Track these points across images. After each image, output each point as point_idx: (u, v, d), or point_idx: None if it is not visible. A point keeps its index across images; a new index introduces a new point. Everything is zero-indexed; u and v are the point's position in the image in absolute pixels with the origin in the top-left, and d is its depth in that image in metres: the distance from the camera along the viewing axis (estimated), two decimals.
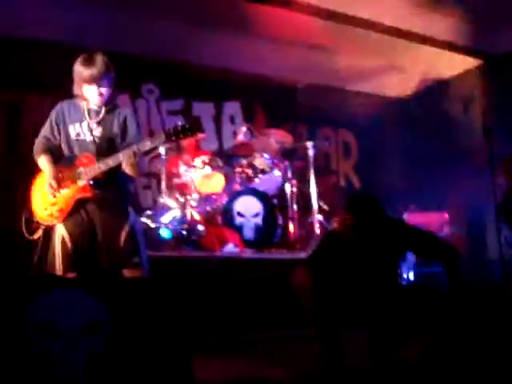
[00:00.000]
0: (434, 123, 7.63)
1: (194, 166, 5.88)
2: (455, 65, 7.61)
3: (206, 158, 5.94)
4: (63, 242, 3.60)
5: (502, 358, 3.28)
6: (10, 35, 6.00)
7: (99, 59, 3.57)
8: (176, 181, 5.99)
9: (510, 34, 6.79)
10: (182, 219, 5.60)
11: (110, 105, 3.71)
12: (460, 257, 3.59)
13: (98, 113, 3.70)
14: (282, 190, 6.02)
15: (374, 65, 7.51)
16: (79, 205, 3.60)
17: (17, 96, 6.26)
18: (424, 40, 6.93)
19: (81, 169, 3.58)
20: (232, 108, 7.36)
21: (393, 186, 7.42)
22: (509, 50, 7.12)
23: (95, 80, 3.57)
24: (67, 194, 3.59)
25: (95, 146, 3.66)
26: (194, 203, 5.82)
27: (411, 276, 5.46)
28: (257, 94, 7.31)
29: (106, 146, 3.66)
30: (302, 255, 5.29)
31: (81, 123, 3.67)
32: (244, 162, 6.02)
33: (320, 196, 6.10)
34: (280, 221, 5.74)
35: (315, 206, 5.95)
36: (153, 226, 5.46)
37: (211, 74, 7.01)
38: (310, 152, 6.07)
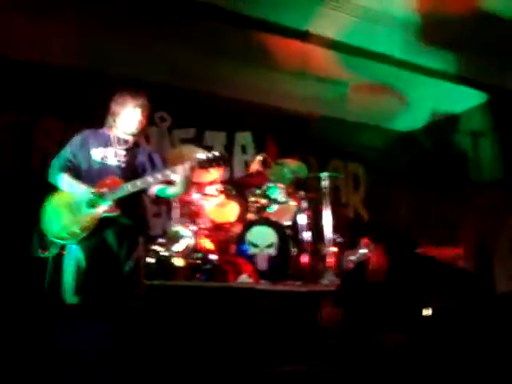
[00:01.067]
0: (444, 157, 7.63)
1: (208, 194, 5.82)
2: (465, 99, 7.64)
3: (219, 187, 5.89)
4: (78, 263, 3.56)
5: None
6: (27, 58, 5.99)
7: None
8: (188, 209, 5.93)
9: None
10: (195, 248, 5.51)
11: (136, 137, 3.82)
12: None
13: (126, 142, 3.77)
14: (295, 220, 5.96)
15: (384, 98, 7.53)
16: (97, 227, 3.57)
17: (29, 118, 6.22)
18: (433, 73, 6.96)
19: (105, 189, 3.55)
20: (244, 138, 7.33)
21: (403, 219, 7.38)
22: None
23: (141, 106, 3.75)
24: (92, 213, 3.56)
25: (120, 171, 3.67)
26: (206, 232, 5.75)
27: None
28: (269, 124, 7.30)
29: (130, 173, 3.70)
30: (317, 288, 5.21)
31: (106, 148, 3.73)
32: (258, 191, 5.96)
33: (333, 228, 6.05)
34: (294, 252, 5.67)
35: (329, 237, 5.88)
36: (166, 254, 5.38)
37: (224, 104, 7.01)
38: (324, 183, 6.03)
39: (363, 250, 5.87)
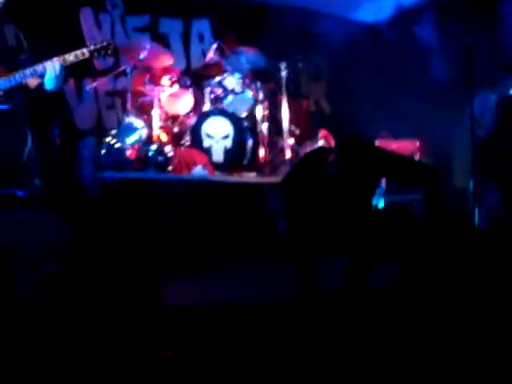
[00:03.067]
0: (409, 49, 7.46)
1: (162, 85, 5.63)
2: None
3: (174, 77, 5.69)
4: None
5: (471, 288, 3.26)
6: None
7: None
8: (142, 100, 5.75)
9: None
10: (149, 140, 5.39)
11: None
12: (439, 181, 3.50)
13: None
14: (252, 112, 5.83)
15: None
16: None
17: None
18: None
19: None
20: (201, 25, 7.01)
21: (365, 111, 7.30)
22: None
23: None
24: None
25: None
26: (160, 123, 5.60)
27: (381, 203, 5.42)
28: (227, 11, 6.97)
29: (5, 58, 3.50)
30: (272, 179, 5.18)
31: None
32: (214, 81, 5.78)
33: (291, 120, 5.95)
34: (250, 144, 5.59)
35: (286, 129, 5.79)
36: (117, 146, 5.24)
37: None
38: (283, 73, 5.86)
39: (321, 142, 5.80)
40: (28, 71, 3.44)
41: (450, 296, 3.17)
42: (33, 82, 3.55)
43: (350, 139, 3.55)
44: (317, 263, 3.34)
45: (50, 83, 3.48)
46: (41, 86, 3.55)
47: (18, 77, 3.42)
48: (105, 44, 3.58)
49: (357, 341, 2.72)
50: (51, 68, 3.43)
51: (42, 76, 3.49)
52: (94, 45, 3.58)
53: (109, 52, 3.60)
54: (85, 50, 3.51)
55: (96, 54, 3.56)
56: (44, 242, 2.69)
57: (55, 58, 3.46)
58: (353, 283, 3.35)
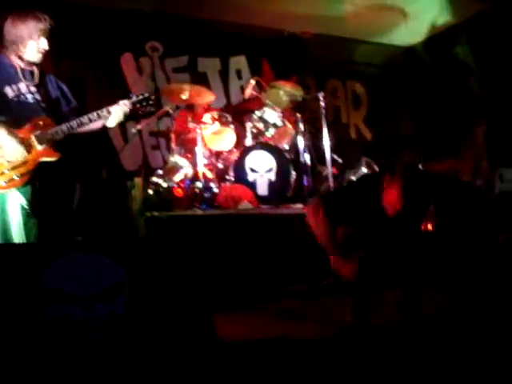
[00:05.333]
0: (447, 69, 7.44)
1: (204, 123, 5.74)
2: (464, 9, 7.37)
3: (215, 114, 5.80)
4: (22, 209, 3.47)
5: None
6: None
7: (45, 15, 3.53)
8: (185, 138, 5.87)
9: None
10: (194, 177, 5.48)
11: (40, 66, 3.63)
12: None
13: (32, 74, 3.60)
14: (294, 143, 5.89)
15: (382, 13, 7.28)
16: (37, 170, 3.49)
17: None
18: None
19: (39, 132, 3.46)
20: (238, 62, 7.16)
21: (406, 135, 7.30)
22: None
23: (46, 32, 3.50)
24: (29, 158, 3.44)
25: (40, 108, 3.55)
26: (204, 161, 5.70)
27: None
28: (263, 46, 7.12)
29: (51, 109, 3.60)
30: None
31: (18, 84, 3.53)
32: (254, 116, 5.87)
33: (333, 149, 5.97)
34: (294, 175, 5.63)
35: (329, 158, 5.82)
36: (165, 185, 5.35)
37: (215, 28, 6.80)
38: (322, 103, 5.91)
39: (364, 170, 5.82)
40: (86, 117, 3.53)
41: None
42: (97, 125, 3.67)
43: (408, 167, 3.54)
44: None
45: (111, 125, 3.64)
46: (104, 126, 3.70)
47: (64, 127, 3.50)
48: (146, 95, 3.70)
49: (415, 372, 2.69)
50: (118, 111, 3.56)
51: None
52: (136, 96, 3.70)
53: (150, 102, 3.72)
54: (127, 103, 3.64)
55: (138, 105, 3.69)
56: (99, 285, 2.76)
57: (121, 102, 3.59)
58: (407, 313, 3.32)
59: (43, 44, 3.53)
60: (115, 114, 3.56)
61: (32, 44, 3.50)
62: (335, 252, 3.45)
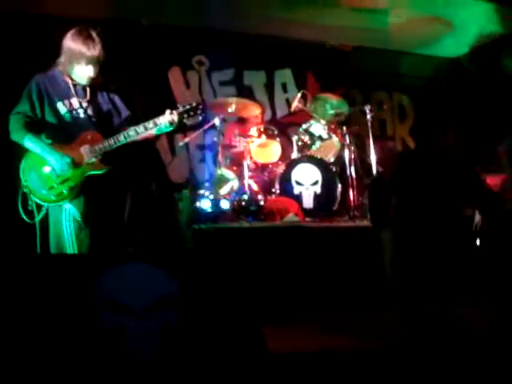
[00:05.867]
0: (492, 81, 7.34)
1: (250, 136, 5.80)
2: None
3: (261, 127, 5.86)
4: (75, 221, 3.53)
5: None
6: None
7: (99, 39, 3.51)
8: (232, 151, 5.93)
9: None
10: (241, 190, 5.53)
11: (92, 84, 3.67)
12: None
13: (85, 90, 3.65)
14: (340, 156, 5.89)
15: (427, 24, 7.23)
16: (87, 183, 3.55)
17: None
18: None
19: (87, 146, 3.53)
20: (284, 75, 7.21)
21: (452, 148, 7.20)
22: None
23: (94, 63, 3.52)
24: (77, 172, 3.52)
25: (92, 123, 3.61)
26: (251, 173, 5.75)
27: None
28: (308, 59, 7.14)
29: (102, 124, 3.65)
30: (364, 223, 5.17)
31: (70, 99, 3.59)
32: (301, 129, 5.91)
33: (379, 162, 5.95)
34: (339, 188, 5.63)
35: (375, 171, 5.80)
36: (211, 197, 5.42)
37: (261, 41, 6.86)
38: (368, 116, 5.91)
39: None
40: (133, 130, 3.56)
41: None
42: (150, 135, 3.70)
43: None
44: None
45: (160, 132, 3.69)
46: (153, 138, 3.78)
47: (112, 141, 3.53)
48: (194, 105, 3.69)
49: None
50: (167, 121, 3.59)
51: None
52: (183, 106, 3.68)
53: (198, 112, 3.71)
54: (174, 113, 3.62)
55: (186, 115, 3.68)
56: (152, 296, 2.81)
57: (167, 111, 3.60)
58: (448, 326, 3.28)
59: (89, 71, 3.57)
60: (162, 123, 3.60)
61: (79, 69, 3.57)
62: None
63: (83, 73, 3.57)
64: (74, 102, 3.61)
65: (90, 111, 3.64)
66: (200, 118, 3.85)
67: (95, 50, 3.49)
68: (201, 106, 3.72)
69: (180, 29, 6.54)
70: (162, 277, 2.85)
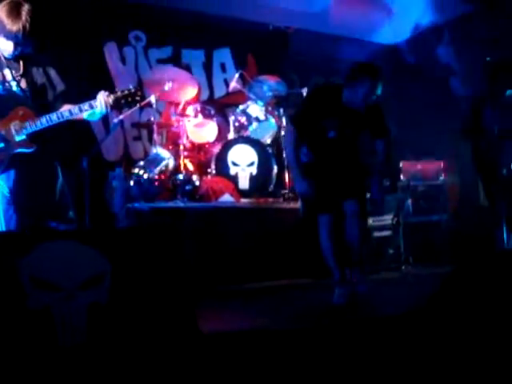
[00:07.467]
0: (429, 69, 7.48)
1: (186, 115, 5.73)
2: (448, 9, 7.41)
3: (198, 107, 5.80)
4: (3, 197, 3.47)
5: None
6: None
7: (25, 17, 3.35)
8: (167, 130, 5.85)
9: None
10: (176, 169, 5.47)
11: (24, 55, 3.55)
12: None
13: (18, 63, 3.53)
14: (276, 138, 5.90)
15: (366, 10, 7.30)
16: (15, 158, 3.46)
17: None
18: None
19: (17, 122, 3.42)
20: (222, 55, 7.14)
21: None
22: None
23: (11, 37, 3.38)
24: (5, 147, 3.42)
25: (25, 98, 3.49)
26: (186, 153, 5.69)
27: None
28: (248, 40, 7.09)
29: (35, 100, 3.53)
30: (298, 205, 5.22)
31: (2, 71, 3.48)
32: (237, 110, 5.88)
33: None
34: (275, 170, 5.65)
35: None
36: (145, 176, 5.33)
37: (200, 20, 6.75)
38: None
39: None
40: (68, 111, 3.47)
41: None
42: (78, 117, 3.59)
43: None
44: None
45: (93, 117, 3.61)
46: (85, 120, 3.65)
47: (44, 120, 3.43)
48: (133, 90, 3.60)
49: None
50: (103, 105, 3.49)
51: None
52: (122, 91, 3.59)
53: (137, 98, 3.63)
54: (112, 96, 3.54)
55: (123, 101, 3.60)
56: (82, 274, 2.74)
57: (104, 95, 3.50)
58: None
59: (8, 46, 3.42)
60: (98, 106, 3.51)
61: (1, 41, 3.43)
62: None
63: (4, 46, 3.44)
64: (7, 73, 3.48)
65: (23, 84, 3.51)
66: (138, 105, 3.79)
67: (13, 26, 3.33)
68: (139, 93, 3.65)
69: (117, 2, 6.36)
70: (93, 255, 2.80)
